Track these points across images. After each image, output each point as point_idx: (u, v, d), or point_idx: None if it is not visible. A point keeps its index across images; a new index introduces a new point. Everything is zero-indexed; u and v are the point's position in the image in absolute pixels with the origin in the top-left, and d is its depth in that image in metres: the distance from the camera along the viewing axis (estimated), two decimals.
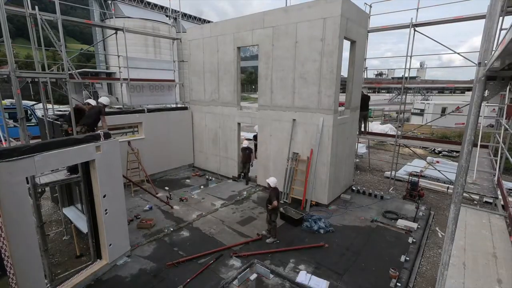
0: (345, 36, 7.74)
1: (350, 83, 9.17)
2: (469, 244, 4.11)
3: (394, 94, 42.60)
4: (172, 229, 7.21)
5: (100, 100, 7.07)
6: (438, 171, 10.95)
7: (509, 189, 9.59)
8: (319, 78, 7.88)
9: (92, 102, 7.05)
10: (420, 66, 48.92)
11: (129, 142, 9.98)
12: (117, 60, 12.22)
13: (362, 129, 11.87)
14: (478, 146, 7.26)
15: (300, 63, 8.21)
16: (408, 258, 6.08)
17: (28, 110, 15.24)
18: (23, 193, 4.04)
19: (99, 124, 6.58)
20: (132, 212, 8.00)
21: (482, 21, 6.48)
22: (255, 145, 11.36)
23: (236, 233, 7.14)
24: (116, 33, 11.24)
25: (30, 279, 4.13)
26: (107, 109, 7.85)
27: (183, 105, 12.95)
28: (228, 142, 10.94)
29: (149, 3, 25.40)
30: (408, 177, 10.44)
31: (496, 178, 6.23)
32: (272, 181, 6.76)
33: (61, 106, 18.06)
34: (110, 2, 21.76)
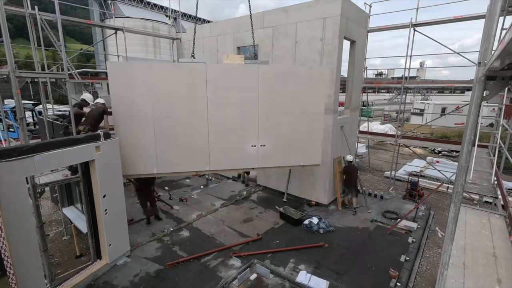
0: (345, 36, 7.74)
1: (350, 83, 9.16)
2: (469, 244, 4.12)
3: (394, 94, 42.58)
4: (172, 229, 7.21)
5: (98, 100, 6.95)
6: (438, 171, 10.95)
7: (509, 189, 9.60)
8: None
9: (88, 97, 6.99)
10: (420, 66, 48.93)
11: None
12: (117, 60, 12.23)
13: None
14: (476, 146, 7.25)
15: (300, 63, 8.21)
16: (408, 258, 6.08)
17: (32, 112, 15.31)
18: (23, 193, 4.03)
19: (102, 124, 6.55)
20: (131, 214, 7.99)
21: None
22: None
23: (236, 233, 7.14)
24: (116, 33, 11.24)
25: (30, 279, 4.13)
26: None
27: None
28: None
29: (149, 3, 25.39)
30: (408, 177, 10.45)
31: (495, 178, 6.23)
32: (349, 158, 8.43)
33: (61, 106, 18.07)
34: (110, 2, 21.75)
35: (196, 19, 7.15)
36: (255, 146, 6.50)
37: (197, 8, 6.58)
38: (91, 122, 6.32)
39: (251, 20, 7.35)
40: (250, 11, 7.28)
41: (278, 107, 6.43)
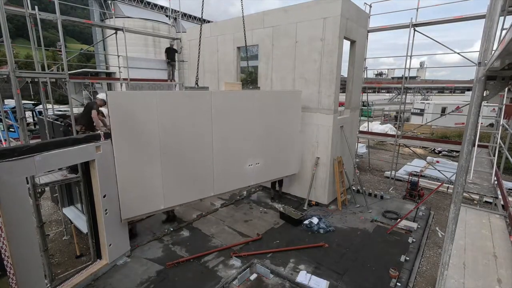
0: (345, 36, 7.74)
1: (350, 83, 9.16)
2: (469, 244, 4.12)
3: (394, 94, 42.57)
4: (172, 229, 7.22)
5: (98, 96, 6.44)
6: (438, 171, 10.95)
7: (509, 189, 9.60)
8: (319, 78, 7.88)
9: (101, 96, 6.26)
10: (420, 66, 48.92)
11: None
12: (117, 60, 12.23)
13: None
14: (476, 146, 7.25)
15: (300, 63, 8.21)
16: (408, 258, 6.08)
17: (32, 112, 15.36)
18: (23, 193, 4.04)
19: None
20: None
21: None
22: None
23: (236, 233, 7.14)
24: (116, 33, 11.24)
25: (30, 279, 4.13)
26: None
27: None
28: None
29: (149, 3, 25.36)
30: (408, 177, 10.45)
31: (495, 178, 6.23)
32: None
33: (61, 106, 18.09)
34: (110, 2, 21.73)
35: (201, 34, 6.89)
36: (251, 165, 7.19)
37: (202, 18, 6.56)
38: (82, 121, 6.18)
39: (243, 21, 7.86)
40: (243, 12, 7.58)
41: (268, 126, 7.27)
